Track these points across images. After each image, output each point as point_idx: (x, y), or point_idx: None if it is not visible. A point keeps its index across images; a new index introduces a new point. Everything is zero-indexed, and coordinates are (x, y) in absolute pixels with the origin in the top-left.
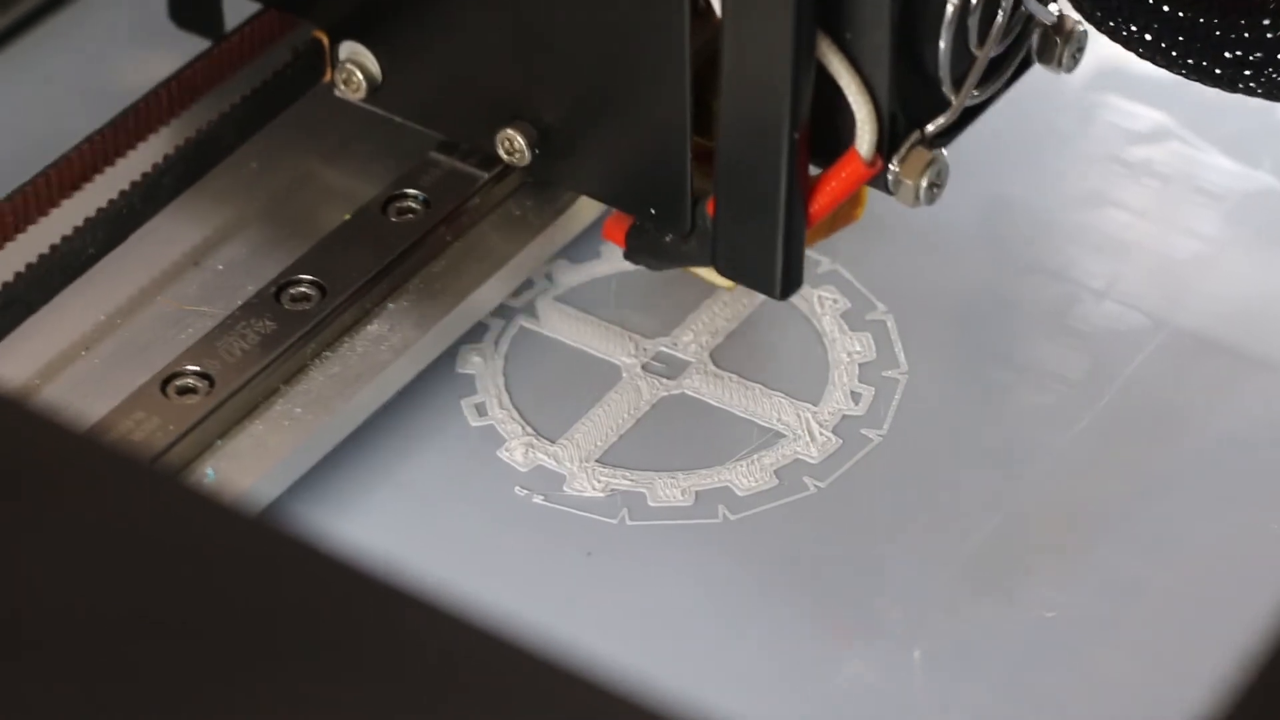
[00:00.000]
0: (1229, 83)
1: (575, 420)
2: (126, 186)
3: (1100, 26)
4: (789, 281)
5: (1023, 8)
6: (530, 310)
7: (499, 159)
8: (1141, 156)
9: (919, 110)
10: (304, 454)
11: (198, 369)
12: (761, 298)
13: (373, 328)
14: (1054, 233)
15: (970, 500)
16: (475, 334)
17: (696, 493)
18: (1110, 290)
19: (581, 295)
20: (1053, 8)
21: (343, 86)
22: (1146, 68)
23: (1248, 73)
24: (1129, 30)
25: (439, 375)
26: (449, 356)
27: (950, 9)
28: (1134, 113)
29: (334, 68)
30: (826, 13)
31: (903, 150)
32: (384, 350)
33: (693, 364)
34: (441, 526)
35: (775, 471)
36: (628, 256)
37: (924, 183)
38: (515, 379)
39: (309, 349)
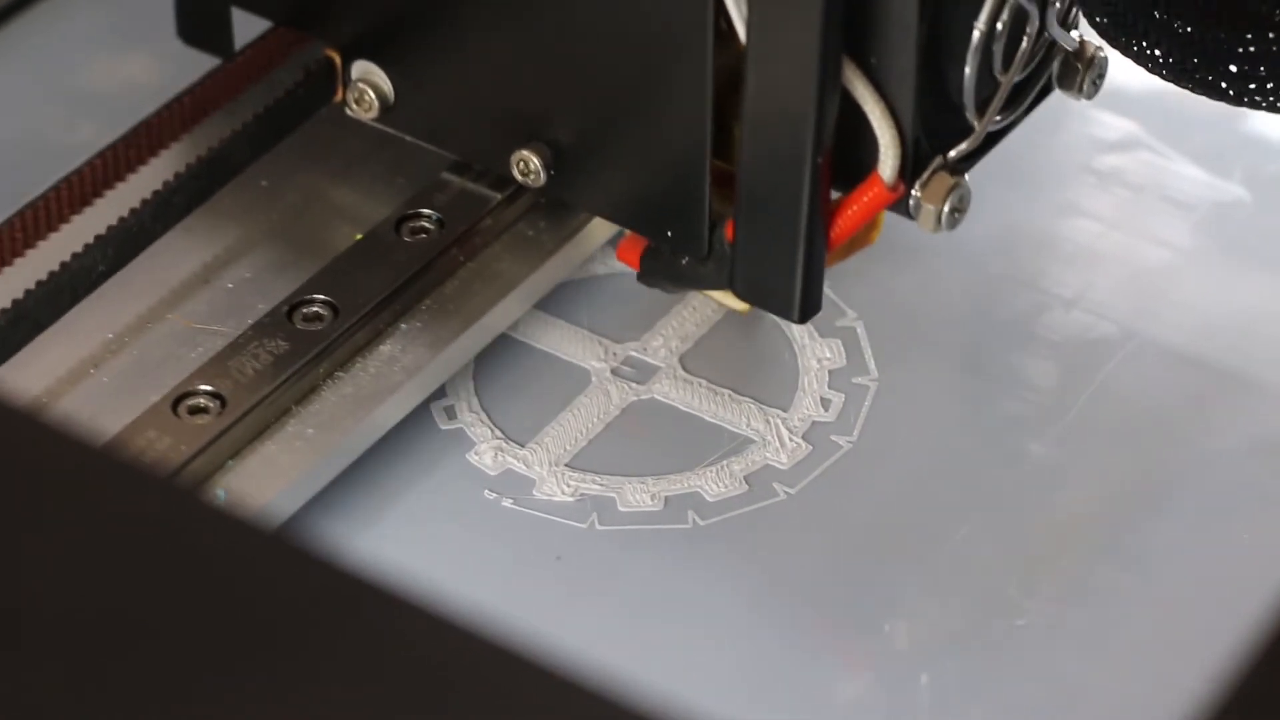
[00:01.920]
0: (1236, 97)
1: (545, 424)
2: (137, 204)
3: (1119, 45)
4: (808, 305)
5: (1046, 34)
6: None
7: (513, 180)
8: (1112, 166)
9: (942, 135)
10: (316, 475)
11: (210, 388)
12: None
13: (385, 348)
14: (1024, 241)
15: (939, 508)
16: None
17: (666, 498)
18: (1080, 299)
19: (552, 300)
20: (1074, 34)
21: (355, 106)
22: (1116, 78)
23: (1253, 86)
24: (1147, 49)
25: None
26: None
27: (976, 35)
28: (1105, 122)
29: (346, 87)
30: (852, 37)
31: (925, 175)
32: (396, 371)
33: (662, 369)
34: (410, 529)
35: (745, 477)
36: (641, 279)
37: (946, 208)
38: (485, 383)
39: (321, 369)
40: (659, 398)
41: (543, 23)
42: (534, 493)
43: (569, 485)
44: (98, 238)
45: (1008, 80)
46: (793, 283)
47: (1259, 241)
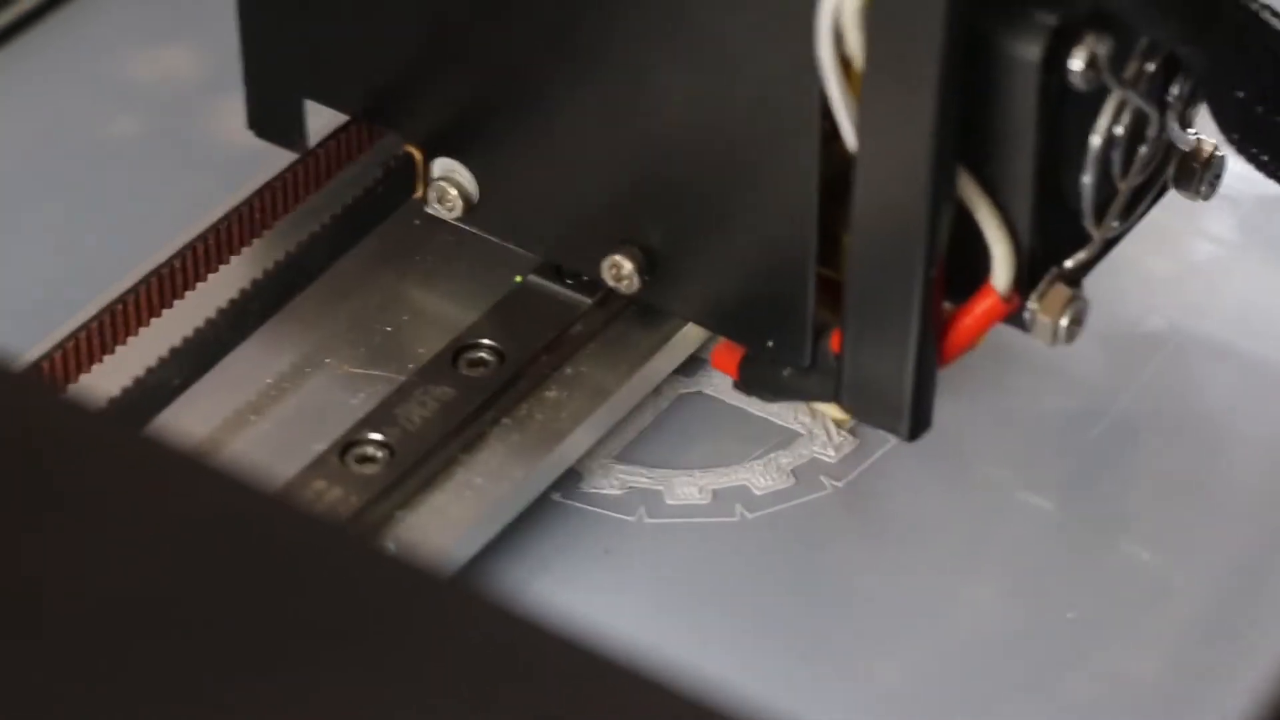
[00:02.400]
0: None
1: None
2: (213, 313)
3: (1249, 157)
4: (918, 421)
5: (1164, 136)
6: None
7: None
8: None
9: (1058, 244)
10: (485, 525)
11: (379, 437)
12: None
13: (551, 394)
14: None
15: (987, 500)
16: None
17: (714, 491)
18: (1126, 294)
19: None
20: (1190, 133)
21: (437, 205)
22: None
23: None
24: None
25: None
26: None
27: (1096, 142)
28: None
29: (427, 184)
30: (966, 144)
31: (1042, 287)
32: (563, 418)
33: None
34: None
35: (792, 471)
36: (739, 387)
37: (1064, 321)
38: None
39: (488, 416)
40: (707, 391)
41: (638, 121)
42: (582, 486)
43: (617, 479)
44: (173, 350)
45: (1127, 186)
46: (902, 397)
47: None
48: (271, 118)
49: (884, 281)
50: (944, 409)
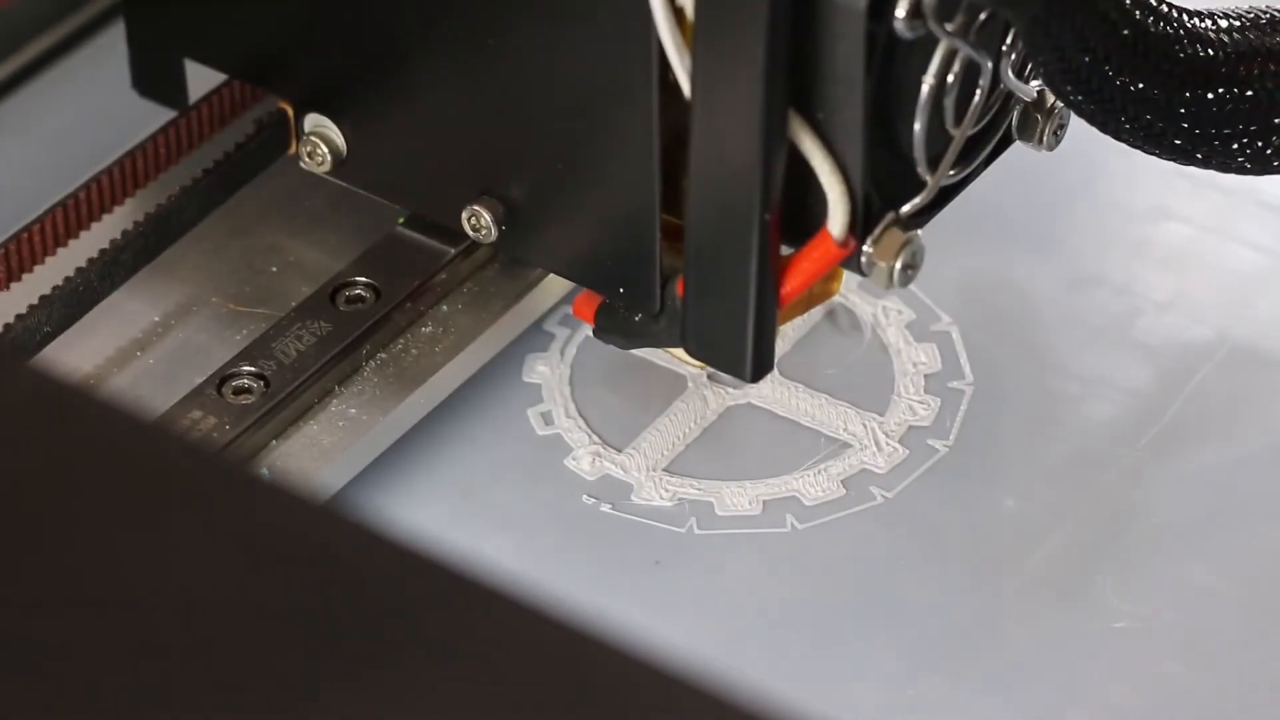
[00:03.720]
0: (1219, 163)
1: (642, 429)
2: (84, 263)
3: (1081, 111)
4: (760, 364)
5: (1002, 85)
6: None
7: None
8: (1204, 170)
9: (894, 190)
10: (358, 453)
11: (254, 369)
12: (825, 308)
13: (427, 330)
14: (1117, 246)
15: (1037, 511)
16: (541, 343)
17: (764, 501)
18: (1174, 303)
19: None
20: (1033, 85)
21: (307, 159)
22: None
23: (1235, 147)
24: (1109, 113)
25: (505, 384)
26: (515, 365)
27: (925, 89)
28: None
29: (299, 140)
30: (798, 91)
31: (877, 231)
32: (437, 353)
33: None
34: (509, 535)
35: (842, 481)
36: (597, 334)
37: (898, 264)
38: (581, 388)
39: (364, 350)
40: (755, 402)
41: (491, 78)
42: (632, 497)
43: (667, 490)
44: (43, 298)
45: (960, 134)
46: (744, 340)
47: None
48: (153, 77)
49: (722, 227)
50: (993, 420)
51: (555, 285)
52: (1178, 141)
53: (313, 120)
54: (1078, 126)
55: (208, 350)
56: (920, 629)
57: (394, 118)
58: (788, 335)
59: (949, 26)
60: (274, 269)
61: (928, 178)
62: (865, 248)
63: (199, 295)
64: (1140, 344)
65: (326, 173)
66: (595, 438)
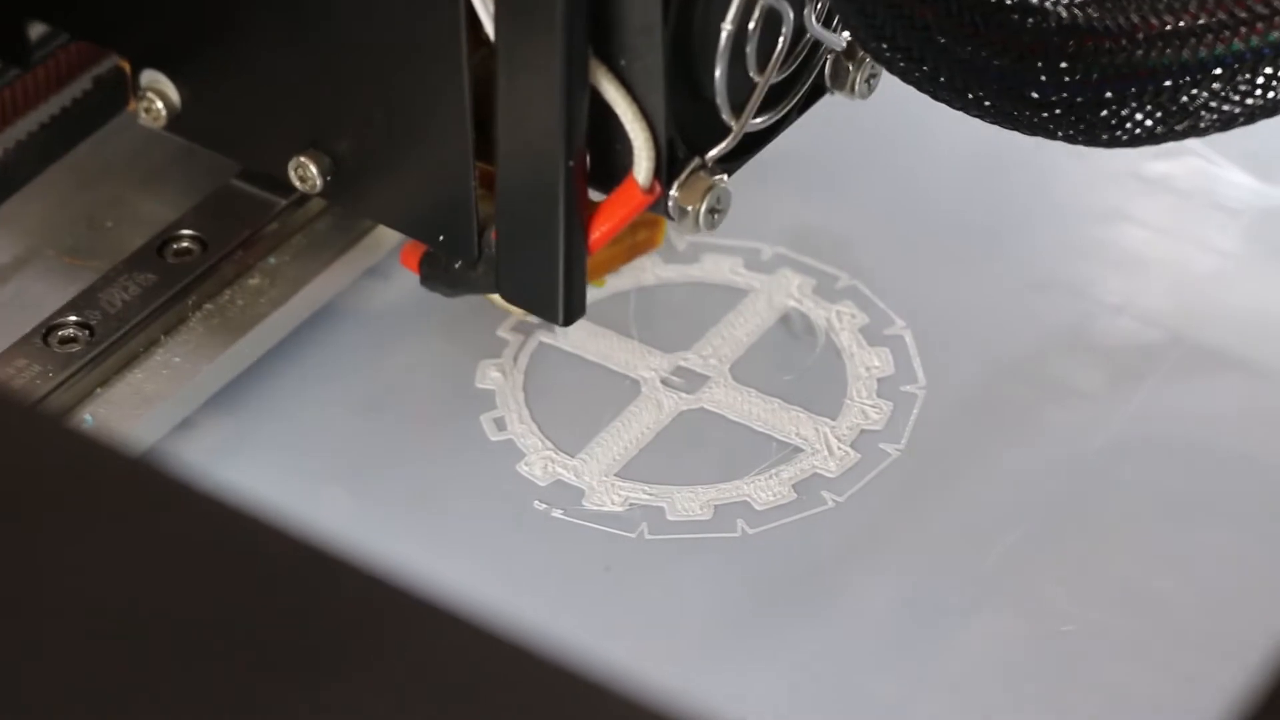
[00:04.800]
0: (1026, 125)
1: (594, 434)
2: None
3: (887, 64)
4: (571, 308)
5: (808, 34)
6: (549, 325)
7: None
8: (1159, 172)
9: (700, 136)
10: (181, 400)
11: (79, 319)
12: (779, 313)
13: (253, 282)
14: (1072, 248)
15: (988, 515)
16: (494, 349)
17: (715, 506)
18: (1128, 306)
19: (600, 310)
20: (844, 34)
21: (144, 115)
22: None
23: (1046, 114)
24: (918, 68)
25: (459, 390)
26: (468, 371)
27: (724, 35)
28: None
29: (136, 96)
30: (600, 39)
31: (682, 176)
32: (262, 304)
33: (712, 378)
34: (461, 540)
35: (793, 485)
36: (423, 283)
37: (703, 208)
38: (535, 393)
39: (190, 301)
40: (708, 407)
41: (310, 31)
42: (584, 503)
43: (618, 495)
44: None
45: (764, 81)
46: (555, 285)
47: None
48: None
49: (529, 174)
50: (946, 424)
51: (384, 238)
52: (988, 103)
53: (149, 77)
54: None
55: (41, 302)
56: (871, 633)
57: (223, 72)
58: (740, 340)
59: None
60: (110, 224)
61: (732, 124)
62: (671, 192)
63: (36, 248)
64: (1094, 347)
65: (163, 127)
66: (548, 443)
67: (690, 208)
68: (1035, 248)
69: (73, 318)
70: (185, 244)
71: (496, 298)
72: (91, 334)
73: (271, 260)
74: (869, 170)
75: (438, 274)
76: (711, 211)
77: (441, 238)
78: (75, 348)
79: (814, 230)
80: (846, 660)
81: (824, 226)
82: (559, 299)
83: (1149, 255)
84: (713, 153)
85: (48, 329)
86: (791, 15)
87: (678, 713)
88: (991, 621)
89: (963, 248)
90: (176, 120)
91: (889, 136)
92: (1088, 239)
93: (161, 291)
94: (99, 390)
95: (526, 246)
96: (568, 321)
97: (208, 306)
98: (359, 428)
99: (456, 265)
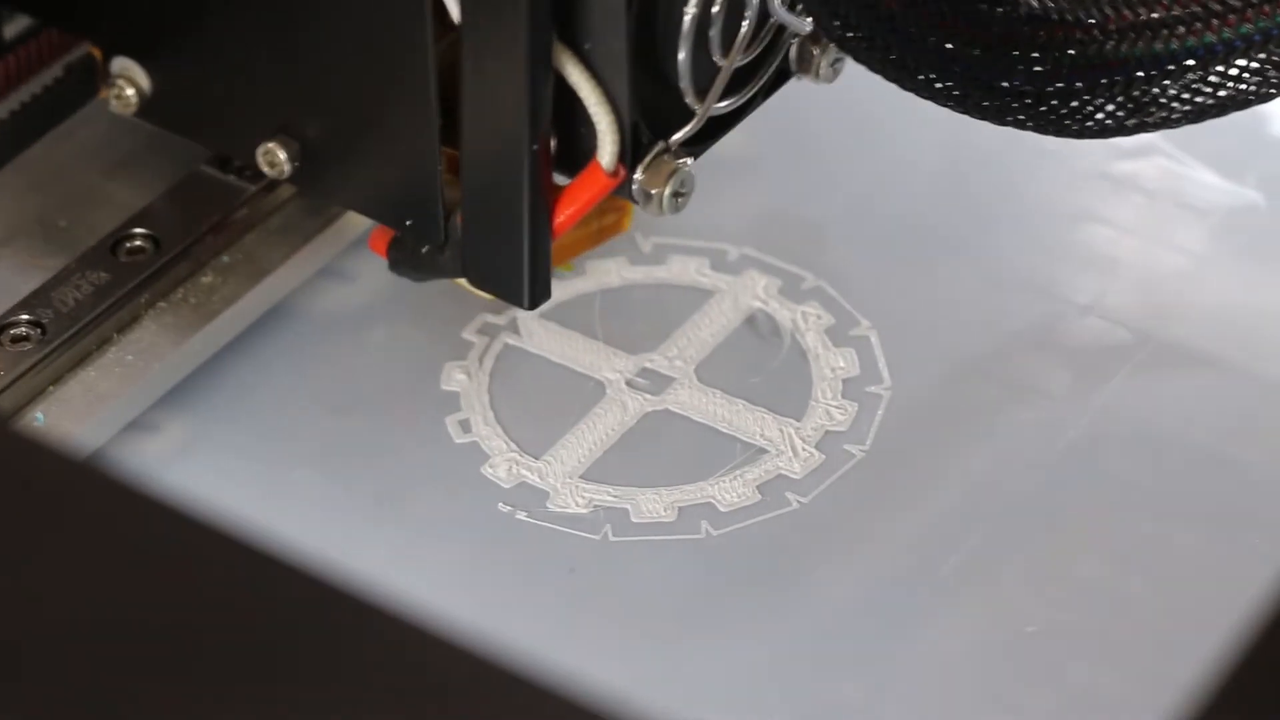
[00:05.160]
0: (996, 114)
1: (559, 436)
2: None
3: (860, 57)
4: (536, 292)
5: (772, 18)
6: (514, 327)
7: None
8: (1127, 172)
9: (664, 120)
10: (134, 399)
11: (31, 318)
12: (745, 314)
13: (206, 279)
14: (1039, 248)
15: (953, 516)
16: (459, 351)
17: (679, 508)
18: (1095, 305)
19: (566, 311)
20: (808, 19)
21: (115, 101)
22: None
23: (1015, 104)
24: (884, 56)
25: (423, 392)
26: (433, 373)
27: (688, 18)
28: None
29: (107, 83)
30: (564, 22)
31: (647, 160)
32: (215, 301)
33: (677, 380)
34: (424, 543)
35: (758, 487)
36: (392, 268)
37: (667, 191)
38: (499, 395)
39: (143, 299)
40: (673, 408)
41: (278, 16)
42: (548, 505)
43: (582, 497)
44: None
45: (728, 65)
46: (520, 269)
47: (1275, 246)
48: None
49: (493, 158)
50: (910, 425)
51: (342, 234)
52: (956, 93)
53: (119, 64)
54: (999, 135)
55: None
56: (834, 634)
57: (193, 59)
58: (706, 341)
59: None
60: (63, 223)
61: (696, 108)
62: (636, 176)
63: None
64: (1060, 347)
65: (134, 114)
66: (512, 445)
67: (655, 191)
68: (1002, 248)
69: (25, 316)
70: (138, 242)
71: (464, 282)
72: (44, 332)
73: (225, 258)
74: (836, 170)
75: (405, 259)
76: (676, 195)
77: (408, 222)
78: (27, 346)
79: (780, 231)
80: (810, 661)
81: (790, 227)
82: (524, 283)
83: (1116, 255)
84: (677, 136)
85: None
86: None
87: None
88: (956, 622)
89: (929, 248)
90: (147, 107)
91: (856, 137)
92: (1055, 239)
93: (114, 290)
94: (51, 389)
95: (492, 231)
96: (533, 305)
97: (160, 305)
98: (320, 429)
99: (424, 250)
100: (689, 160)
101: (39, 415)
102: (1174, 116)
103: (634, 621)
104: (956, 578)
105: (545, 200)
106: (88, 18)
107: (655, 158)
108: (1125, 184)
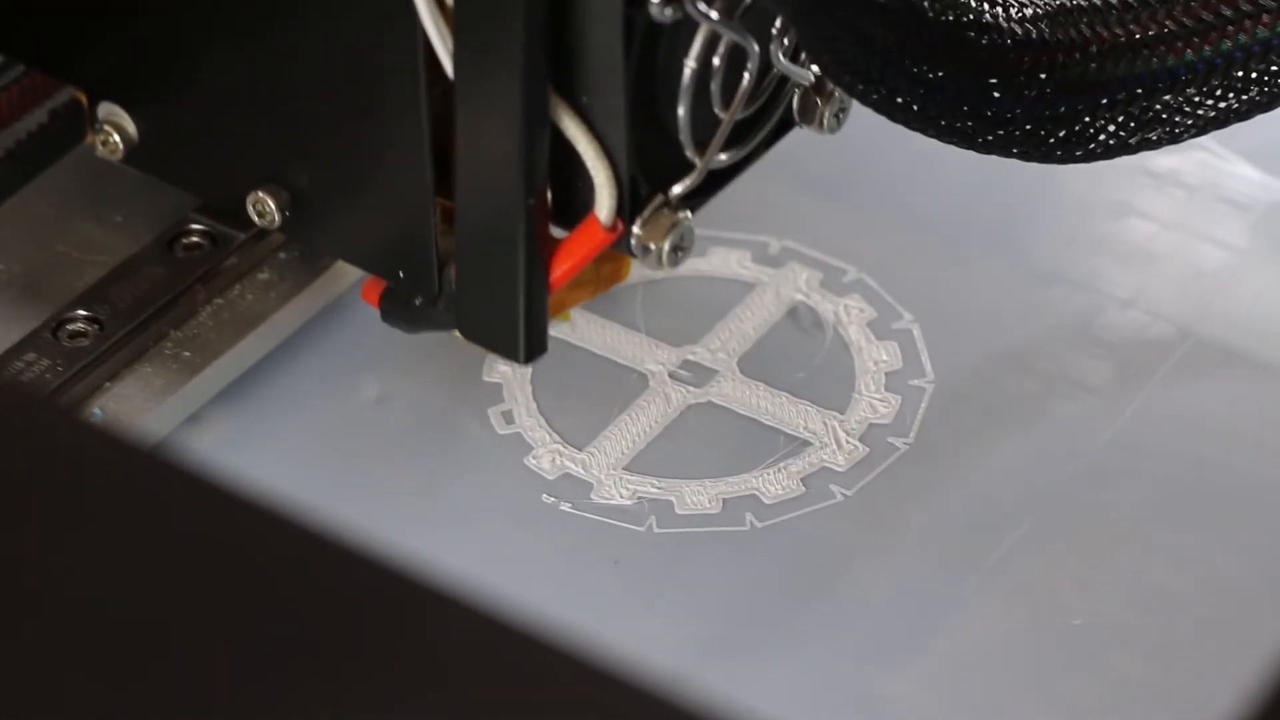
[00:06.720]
0: (1000, 146)
1: (602, 428)
2: None
3: (861, 97)
4: (531, 346)
5: (774, 70)
6: (558, 319)
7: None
8: (1167, 167)
9: (663, 173)
10: (191, 394)
11: (89, 314)
12: (787, 307)
13: (263, 276)
14: (1080, 242)
15: (996, 509)
16: None
17: (724, 500)
18: (1136, 300)
19: (608, 303)
20: (812, 69)
21: (101, 147)
22: None
23: (1006, 133)
24: (889, 96)
25: (466, 383)
26: (476, 365)
27: (688, 72)
28: None
29: (94, 128)
30: (560, 75)
31: (646, 213)
32: (272, 298)
33: (720, 372)
34: (468, 534)
35: (802, 479)
36: (384, 319)
37: (666, 246)
38: (542, 387)
39: (200, 295)
40: (716, 400)
41: (267, 65)
42: (592, 496)
43: (627, 488)
44: None
45: (729, 118)
46: (515, 323)
47: None
48: None
49: (489, 211)
50: (953, 418)
51: None
52: (957, 125)
53: (106, 109)
54: None
55: (49, 296)
56: (879, 627)
57: (180, 105)
58: (748, 334)
59: (711, 11)
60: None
61: (696, 161)
62: (634, 230)
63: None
64: (1101, 341)
65: (120, 160)
66: (555, 436)
67: (653, 245)
68: (1043, 241)
69: (82, 312)
70: (195, 239)
71: (458, 334)
72: (101, 328)
73: (281, 255)
74: (877, 163)
75: (398, 310)
76: (675, 249)
77: (401, 274)
78: (84, 342)
79: (822, 223)
80: (855, 653)
81: (832, 220)
82: (520, 337)
83: (1157, 249)
84: (676, 190)
85: (57, 323)
86: (757, 50)
87: (687, 703)
88: (1000, 615)
89: (970, 241)
90: (134, 153)
91: (898, 129)
92: (1096, 233)
93: (171, 286)
94: (108, 384)
95: (487, 284)
96: (528, 360)
97: (218, 301)
98: (367, 421)
99: (416, 302)
100: (688, 214)
101: (97, 410)
102: (1178, 131)
103: (679, 613)
104: (1001, 570)
105: (541, 255)
106: (73, 62)
107: (654, 211)
108: (1166, 179)
